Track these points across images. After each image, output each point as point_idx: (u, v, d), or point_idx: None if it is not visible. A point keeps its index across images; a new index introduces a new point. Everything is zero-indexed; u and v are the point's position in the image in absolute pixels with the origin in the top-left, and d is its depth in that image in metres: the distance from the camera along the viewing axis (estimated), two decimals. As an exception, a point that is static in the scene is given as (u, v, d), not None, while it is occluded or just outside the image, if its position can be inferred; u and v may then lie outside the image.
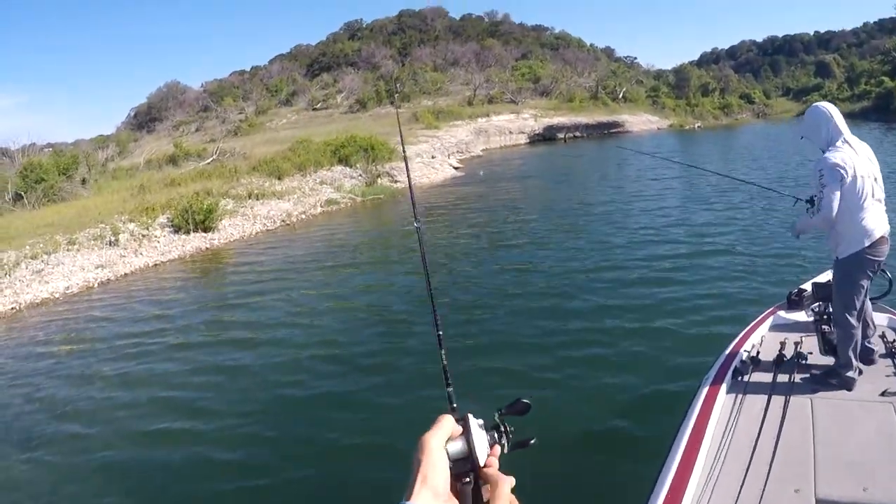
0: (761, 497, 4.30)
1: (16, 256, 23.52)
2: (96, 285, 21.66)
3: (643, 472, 5.28)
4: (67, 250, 24.27)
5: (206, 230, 26.44)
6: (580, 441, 8.24)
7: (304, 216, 30.31)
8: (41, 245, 24.63)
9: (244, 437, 9.35)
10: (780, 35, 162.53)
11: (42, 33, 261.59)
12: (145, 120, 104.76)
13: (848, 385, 5.67)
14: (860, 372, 5.82)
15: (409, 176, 3.64)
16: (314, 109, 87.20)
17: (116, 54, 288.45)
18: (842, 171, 5.60)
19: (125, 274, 22.65)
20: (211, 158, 45.77)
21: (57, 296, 20.79)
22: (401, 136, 4.63)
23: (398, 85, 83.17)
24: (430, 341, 11.59)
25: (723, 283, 14.72)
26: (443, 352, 1.84)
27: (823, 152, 5.87)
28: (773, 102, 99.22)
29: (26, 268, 22.75)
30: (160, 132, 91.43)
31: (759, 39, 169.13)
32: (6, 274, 22.15)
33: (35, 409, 11.59)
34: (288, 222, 29.09)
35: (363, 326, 14.49)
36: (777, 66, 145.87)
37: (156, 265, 23.56)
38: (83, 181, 41.27)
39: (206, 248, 25.33)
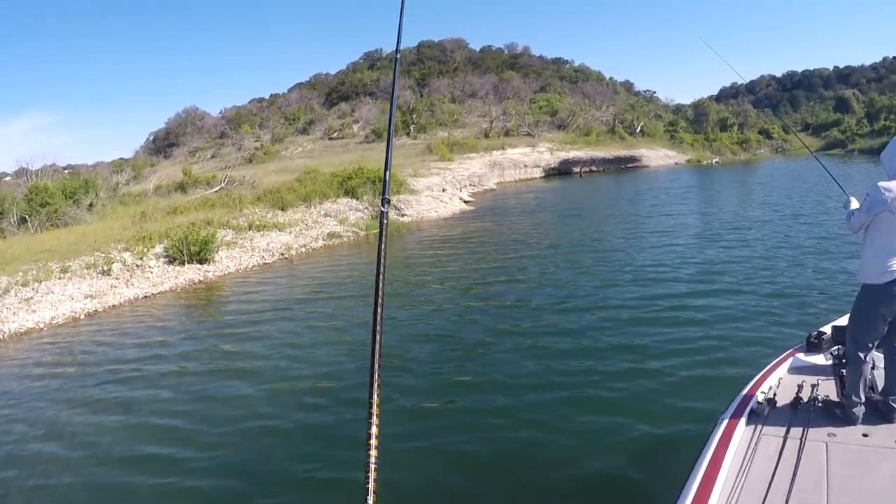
0: None
1: (7, 283, 23.05)
2: (83, 316, 21.11)
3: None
4: (59, 278, 23.73)
5: (201, 262, 25.85)
6: (586, 485, 8.24)
7: (304, 249, 29.70)
8: (34, 272, 24.13)
9: (220, 467, 9.45)
10: (800, 70, 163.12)
11: (72, 55, 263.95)
12: (163, 145, 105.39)
13: (851, 420, 5.71)
14: (866, 409, 5.84)
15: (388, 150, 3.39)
16: (330, 138, 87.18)
17: (141, 79, 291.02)
18: (884, 200, 5.56)
19: (114, 305, 22.08)
20: (219, 186, 45.41)
21: (42, 326, 20.28)
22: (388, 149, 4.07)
23: (414, 116, 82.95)
24: (422, 378, 12.46)
25: (739, 323, 14.36)
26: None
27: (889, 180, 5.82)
28: (792, 138, 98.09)
29: (15, 295, 22.20)
30: (177, 157, 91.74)
31: (779, 74, 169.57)
32: (-5, 301, 21.68)
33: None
34: (287, 256, 28.47)
35: (353, 362, 14.15)
36: (796, 101, 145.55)
37: (146, 297, 22.97)
38: (90, 206, 41.01)
39: (200, 281, 24.72)
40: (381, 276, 2.23)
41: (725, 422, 5.97)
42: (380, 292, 2.22)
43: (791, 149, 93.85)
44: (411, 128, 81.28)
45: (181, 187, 47.97)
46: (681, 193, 46.34)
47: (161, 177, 58.76)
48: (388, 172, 3.17)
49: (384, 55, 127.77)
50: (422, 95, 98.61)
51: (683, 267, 21.12)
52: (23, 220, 36.10)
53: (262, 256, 28.05)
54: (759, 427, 5.86)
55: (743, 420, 5.95)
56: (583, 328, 15.08)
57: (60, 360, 16.75)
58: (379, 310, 2.22)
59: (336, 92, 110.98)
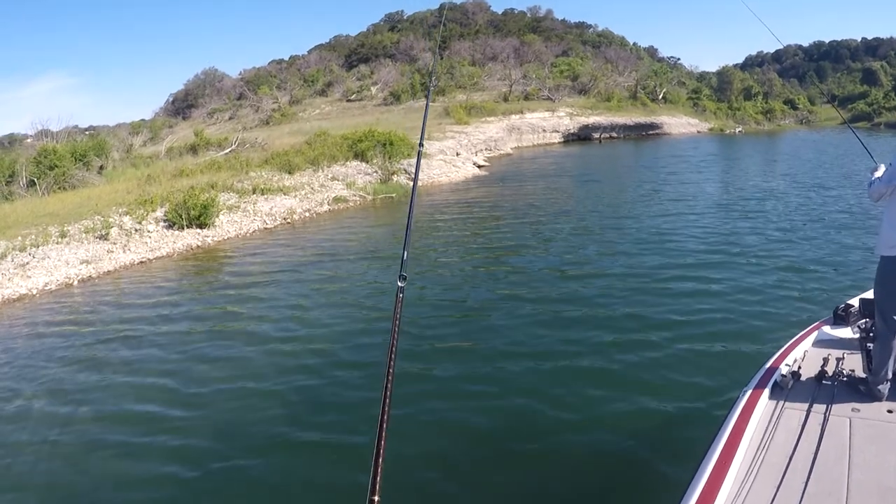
0: None
1: (5, 248, 22.75)
2: (76, 282, 20.77)
3: (678, 480, 5.26)
4: (57, 243, 23.41)
5: (201, 226, 25.39)
6: (609, 456, 8.34)
7: (308, 214, 29.19)
8: (33, 236, 23.81)
9: (210, 427, 9.74)
10: (827, 41, 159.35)
11: (93, 14, 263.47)
12: (182, 106, 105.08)
13: (877, 396, 5.61)
14: (892, 385, 5.71)
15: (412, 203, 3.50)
16: (348, 101, 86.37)
17: (162, 39, 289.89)
18: None
19: (108, 271, 21.72)
20: (230, 148, 44.88)
21: (35, 292, 19.97)
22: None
23: (433, 78, 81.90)
24: (415, 345, 12.31)
25: (760, 296, 14.17)
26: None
27: None
28: (818, 109, 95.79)
29: (12, 260, 21.92)
30: (195, 119, 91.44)
31: (806, 44, 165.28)
32: (-8, 266, 21.37)
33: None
34: (289, 220, 27.97)
35: (352, 324, 14.23)
36: (822, 72, 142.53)
37: (142, 262, 22.58)
38: (101, 168, 40.66)
39: (198, 246, 24.27)
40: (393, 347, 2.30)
41: (748, 394, 5.90)
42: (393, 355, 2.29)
43: (816, 120, 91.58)
44: (429, 90, 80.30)
45: (193, 149, 47.52)
46: (701, 162, 45.35)
47: (175, 139, 58.34)
48: (408, 236, 3.16)
49: (405, 17, 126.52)
50: (442, 58, 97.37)
51: (702, 237, 20.62)
52: (31, 183, 35.79)
53: (264, 221, 27.56)
54: (783, 400, 5.80)
55: (766, 393, 5.89)
56: (592, 297, 14.83)
57: (51, 323, 16.68)
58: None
59: (356, 54, 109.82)
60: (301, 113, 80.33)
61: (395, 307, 2.52)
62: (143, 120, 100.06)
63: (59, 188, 35.32)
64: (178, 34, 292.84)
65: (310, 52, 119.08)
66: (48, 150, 38.33)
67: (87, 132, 79.95)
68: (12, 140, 69.31)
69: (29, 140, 52.98)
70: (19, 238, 23.65)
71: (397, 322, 2.42)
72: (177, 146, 50.63)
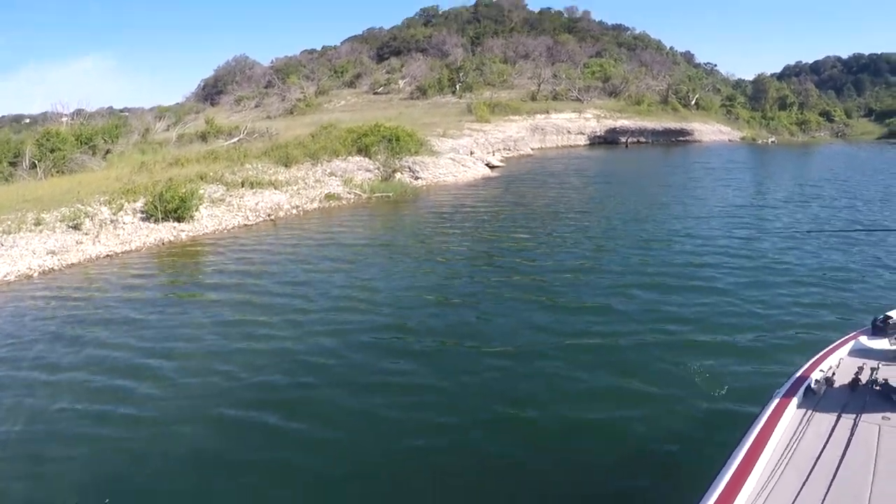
0: None
1: (-23, 233, 22.09)
2: (37, 274, 20.09)
3: (704, 478, 5.13)
4: (30, 231, 22.75)
5: (178, 220, 24.57)
6: (635, 453, 8.98)
7: (295, 211, 28.25)
8: (9, 222, 23.16)
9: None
10: (867, 53, 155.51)
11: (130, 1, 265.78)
12: (212, 92, 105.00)
13: None
14: None
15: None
16: (375, 93, 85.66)
17: (198, 26, 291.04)
18: None
19: (72, 264, 21.02)
20: (238, 138, 44.15)
21: (-8, 283, 19.28)
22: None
23: (461, 74, 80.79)
24: (380, 348, 13.01)
25: (799, 306, 14.59)
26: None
27: None
28: (854, 123, 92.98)
29: (-20, 248, 21.25)
30: (223, 105, 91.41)
31: (845, 56, 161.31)
32: (-42, 253, 20.75)
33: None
34: (272, 217, 27.07)
35: (302, 334, 14.09)
36: (861, 85, 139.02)
37: (108, 256, 21.86)
38: (107, 152, 40.15)
39: (170, 241, 23.46)
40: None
41: (779, 397, 5.97)
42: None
43: (852, 133, 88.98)
44: (457, 86, 79.20)
45: (203, 137, 46.91)
46: (733, 172, 43.59)
47: (195, 125, 57.88)
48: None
49: (440, 12, 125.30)
50: (474, 54, 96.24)
51: (735, 247, 20.47)
52: (33, 165, 35.32)
53: (246, 216, 26.68)
54: (813, 405, 5.85)
55: (797, 397, 5.97)
56: (641, 303, 15.17)
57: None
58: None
59: (388, 47, 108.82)
60: (326, 104, 79.75)
61: None
62: (178, 103, 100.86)
63: (58, 172, 34.82)
64: (214, 20, 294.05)
65: (342, 43, 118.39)
66: (51, 133, 37.86)
67: (122, 113, 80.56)
68: (46, 119, 69.39)
69: (65, 119, 52.54)
70: (-4, 223, 23.04)
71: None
72: (188, 133, 50.07)
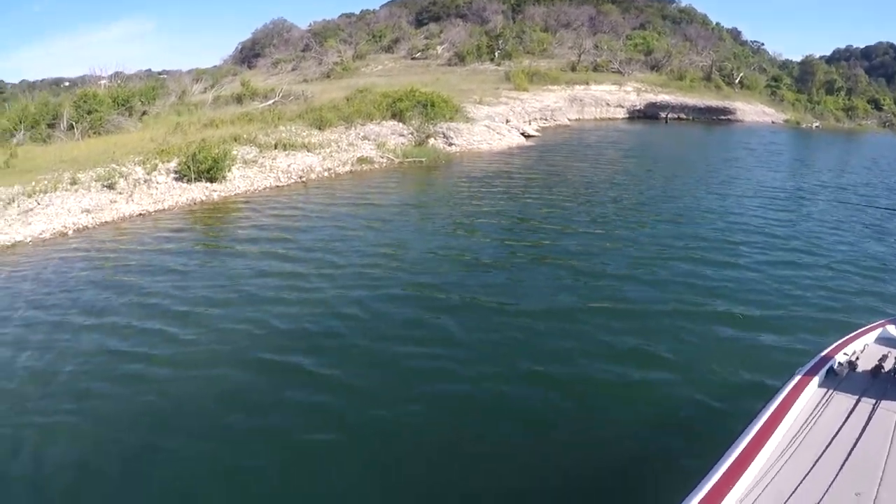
0: (823, 491, 4.44)
1: (16, 192, 22.43)
2: (71, 232, 20.37)
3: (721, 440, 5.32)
4: (66, 190, 23.01)
5: (211, 180, 24.71)
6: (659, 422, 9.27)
7: (327, 174, 28.28)
8: (46, 181, 23.46)
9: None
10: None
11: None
12: (249, 55, 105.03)
13: None
14: None
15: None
16: (412, 58, 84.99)
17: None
18: None
19: (106, 222, 21.32)
20: (273, 100, 44.13)
21: (28, 240, 19.65)
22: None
23: (500, 42, 79.94)
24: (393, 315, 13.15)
25: (828, 291, 14.57)
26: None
27: None
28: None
29: (18, 206, 21.60)
30: (260, 68, 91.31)
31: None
32: (-4, 212, 21.06)
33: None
34: (303, 179, 27.12)
35: (333, 287, 14.67)
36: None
37: (141, 215, 22.13)
38: (143, 114, 40.40)
39: (202, 201, 23.66)
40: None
41: (800, 375, 6.12)
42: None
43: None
44: (496, 53, 78.42)
45: (238, 99, 46.94)
46: (775, 154, 42.31)
47: (227, 88, 57.94)
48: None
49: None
50: (514, 21, 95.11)
51: (773, 231, 20.09)
52: (70, 127, 35.63)
53: (278, 178, 26.76)
54: (834, 387, 5.99)
55: (819, 377, 6.13)
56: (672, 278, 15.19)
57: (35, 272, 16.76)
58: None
59: (427, 12, 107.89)
60: (364, 68, 79.32)
61: None
62: (215, 66, 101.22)
63: (95, 133, 35.06)
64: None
65: (381, 7, 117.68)
66: (88, 95, 38.08)
67: (160, 75, 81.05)
68: (84, 81, 70.02)
69: (104, 81, 52.91)
70: (33, 183, 23.34)
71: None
72: (224, 95, 50.16)
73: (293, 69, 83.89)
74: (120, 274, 16.15)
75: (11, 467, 8.68)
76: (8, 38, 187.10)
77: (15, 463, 8.76)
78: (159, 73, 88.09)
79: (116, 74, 59.46)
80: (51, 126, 35.88)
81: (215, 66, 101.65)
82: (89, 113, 36.32)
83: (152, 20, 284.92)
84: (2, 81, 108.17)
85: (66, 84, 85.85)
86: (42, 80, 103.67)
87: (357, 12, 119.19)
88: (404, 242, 17.97)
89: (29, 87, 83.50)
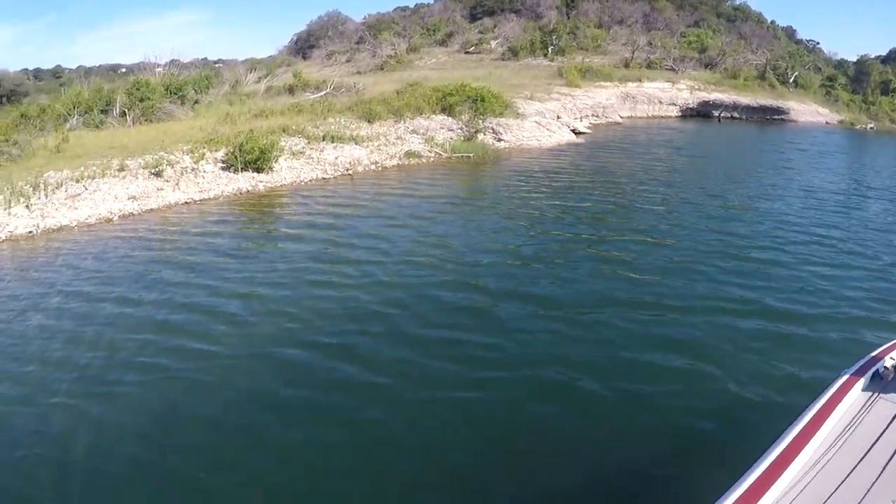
0: (861, 497, 4.40)
1: (65, 177, 22.65)
2: (116, 218, 20.53)
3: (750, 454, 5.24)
4: (114, 176, 23.17)
5: (258, 170, 24.71)
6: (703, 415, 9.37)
7: (374, 167, 28.13)
8: (95, 167, 23.64)
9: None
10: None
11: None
12: (304, 46, 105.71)
13: None
14: None
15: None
16: (466, 52, 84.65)
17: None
18: None
19: (151, 209, 21.42)
20: (324, 92, 44.09)
21: (74, 224, 19.84)
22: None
23: (554, 37, 79.29)
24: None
25: (877, 296, 14.26)
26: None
27: None
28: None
29: (66, 191, 21.80)
30: (314, 59, 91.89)
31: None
32: (46, 195, 21.24)
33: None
34: (350, 172, 26.96)
35: (371, 284, 14.60)
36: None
37: (186, 203, 22.21)
38: (196, 102, 40.67)
39: (248, 191, 23.68)
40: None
41: (845, 377, 6.04)
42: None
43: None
44: (549, 49, 77.77)
45: (290, 90, 47.01)
46: (828, 156, 40.78)
47: (280, 78, 58.22)
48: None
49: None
50: (568, 17, 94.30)
51: (818, 233, 19.52)
52: (123, 114, 35.96)
53: (325, 170, 26.67)
54: (879, 390, 5.90)
55: (864, 379, 6.03)
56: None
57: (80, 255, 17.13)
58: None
59: (481, 6, 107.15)
60: (417, 61, 79.25)
61: None
62: (270, 56, 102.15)
63: (146, 120, 35.33)
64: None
65: (436, 1, 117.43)
66: (141, 83, 38.45)
67: (216, 64, 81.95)
68: (140, 68, 71.18)
69: (160, 69, 53.53)
70: (82, 168, 23.53)
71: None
72: (276, 86, 50.34)
73: (347, 61, 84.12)
74: (156, 263, 16.24)
75: (38, 450, 8.93)
76: (69, 24, 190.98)
77: (41, 447, 9.00)
78: (215, 62, 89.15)
79: (172, 62, 59.88)
80: (104, 112, 36.25)
81: (270, 57, 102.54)
82: (141, 101, 36.64)
83: (211, 10, 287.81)
84: (60, 67, 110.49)
85: (123, 70, 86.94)
86: (99, 66, 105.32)
87: (412, 6, 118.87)
88: (445, 240, 17.81)
89: (86, 72, 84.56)
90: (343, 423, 9.28)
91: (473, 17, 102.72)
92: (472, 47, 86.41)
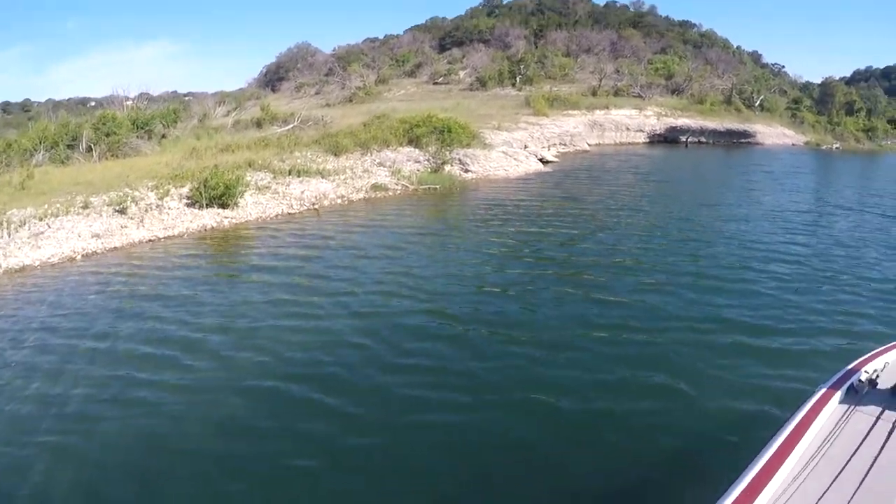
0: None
1: (28, 214, 22.53)
2: (80, 257, 20.36)
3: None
4: (77, 213, 23.03)
5: (223, 206, 24.66)
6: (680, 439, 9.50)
7: (340, 201, 28.13)
8: (59, 204, 23.52)
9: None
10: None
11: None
12: (273, 78, 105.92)
13: None
14: None
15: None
16: (435, 83, 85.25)
17: (263, 11, 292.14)
18: None
19: (115, 248, 21.28)
20: (292, 125, 44.21)
21: (37, 264, 19.67)
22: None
23: (522, 67, 79.99)
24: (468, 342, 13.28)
25: (845, 314, 14.51)
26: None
27: None
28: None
29: (29, 229, 21.62)
30: (284, 91, 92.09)
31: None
32: (9, 233, 21.12)
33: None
34: (316, 206, 26.94)
35: (341, 315, 14.75)
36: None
37: (150, 241, 22.08)
38: (163, 137, 40.58)
39: (213, 227, 23.57)
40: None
41: (822, 392, 6.15)
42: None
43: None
44: (517, 78, 78.45)
45: (258, 123, 47.08)
46: (794, 176, 41.27)
47: (249, 111, 58.25)
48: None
49: (504, 2, 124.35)
50: (536, 46, 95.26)
51: (796, 253, 19.97)
52: (89, 149, 35.80)
53: (291, 204, 26.64)
54: (854, 403, 5.98)
55: (840, 394, 6.12)
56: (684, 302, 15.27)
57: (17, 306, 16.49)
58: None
59: (450, 37, 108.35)
60: (386, 93, 79.68)
61: None
62: (240, 89, 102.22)
63: (113, 155, 35.22)
64: (279, 7, 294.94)
65: (405, 32, 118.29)
66: (107, 117, 38.32)
67: (186, 97, 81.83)
68: (109, 102, 70.99)
69: (129, 102, 53.41)
70: (46, 205, 23.39)
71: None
72: (244, 119, 50.38)
73: (316, 93, 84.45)
74: (126, 300, 16.14)
75: (20, 489, 8.91)
76: (40, 56, 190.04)
77: (23, 485, 8.99)
78: (185, 95, 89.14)
79: (141, 95, 59.90)
80: (70, 147, 36.06)
81: (240, 89, 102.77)
82: (108, 135, 36.50)
83: (183, 43, 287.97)
84: (28, 100, 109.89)
85: (92, 104, 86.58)
86: (69, 100, 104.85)
87: (381, 37, 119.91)
88: (414, 271, 17.87)
89: (55, 106, 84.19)
90: (322, 451, 9.40)
91: (442, 48, 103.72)
92: (441, 78, 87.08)
